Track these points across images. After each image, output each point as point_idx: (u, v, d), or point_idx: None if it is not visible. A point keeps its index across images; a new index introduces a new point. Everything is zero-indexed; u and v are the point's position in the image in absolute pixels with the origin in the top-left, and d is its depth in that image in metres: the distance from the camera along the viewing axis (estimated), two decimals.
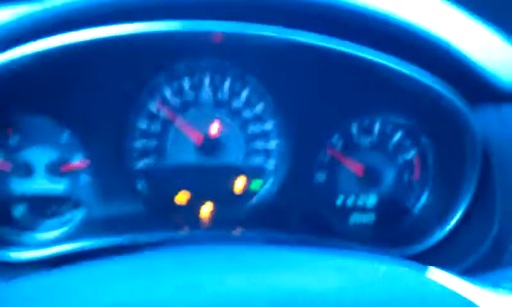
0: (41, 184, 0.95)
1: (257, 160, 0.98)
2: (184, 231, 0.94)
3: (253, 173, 0.98)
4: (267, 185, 0.98)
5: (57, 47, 0.78)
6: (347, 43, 0.82)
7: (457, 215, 0.89)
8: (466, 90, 0.83)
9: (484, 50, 0.84)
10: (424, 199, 0.97)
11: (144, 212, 0.95)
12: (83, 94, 0.89)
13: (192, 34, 0.82)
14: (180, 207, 0.98)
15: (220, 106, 0.95)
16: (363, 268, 0.63)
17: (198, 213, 0.99)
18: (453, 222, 0.89)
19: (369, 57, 0.82)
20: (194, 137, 0.96)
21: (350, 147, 0.97)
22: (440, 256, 0.89)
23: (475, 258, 0.84)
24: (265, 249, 0.68)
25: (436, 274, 0.62)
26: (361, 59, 0.82)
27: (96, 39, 0.79)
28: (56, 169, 0.94)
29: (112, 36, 0.79)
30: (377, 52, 0.82)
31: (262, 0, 0.81)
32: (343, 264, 0.64)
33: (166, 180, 0.97)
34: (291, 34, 0.81)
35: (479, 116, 0.83)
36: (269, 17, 0.81)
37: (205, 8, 0.80)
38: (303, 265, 0.63)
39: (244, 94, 0.95)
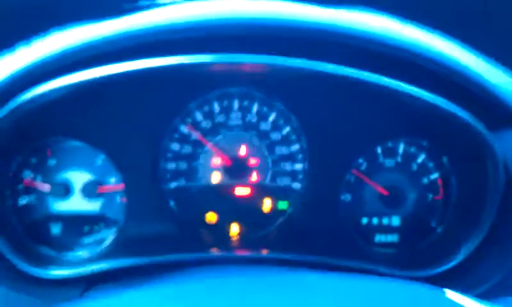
0: (78, 204, 0.99)
1: (284, 181, 1.01)
2: (214, 251, 0.96)
3: (280, 194, 1.01)
4: (294, 206, 1.01)
5: (97, 78, 0.83)
6: (372, 73, 0.85)
7: (479, 237, 0.90)
8: (488, 115, 0.85)
9: (500, 75, 0.86)
10: (446, 220, 0.99)
11: (175, 231, 0.98)
12: (119, 120, 0.93)
13: (223, 65, 0.86)
14: (209, 226, 1.01)
15: (248, 129, 0.99)
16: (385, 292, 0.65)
17: (227, 232, 1.02)
18: (475, 244, 0.90)
19: (392, 85, 0.85)
20: (224, 159, 0.99)
21: (374, 169, 1.00)
22: (461, 278, 0.91)
23: (495, 280, 0.85)
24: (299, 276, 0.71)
25: (455, 298, 0.64)
26: (385, 87, 0.85)
27: (133, 71, 0.83)
28: (91, 190, 0.98)
29: (148, 68, 0.83)
30: (400, 81, 0.85)
31: (288, 33, 0.84)
32: (367, 288, 0.66)
33: (196, 200, 1.01)
34: (316, 65, 0.84)
35: (500, 141, 0.85)
36: (295, 48, 0.84)
37: (235, 41, 0.83)
38: (331, 290, 0.66)
39: (272, 117, 0.99)
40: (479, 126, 0.84)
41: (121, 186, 0.97)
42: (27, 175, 0.97)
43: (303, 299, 0.63)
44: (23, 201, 0.97)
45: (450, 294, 0.65)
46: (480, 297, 0.81)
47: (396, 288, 0.67)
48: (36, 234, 0.98)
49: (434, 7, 0.92)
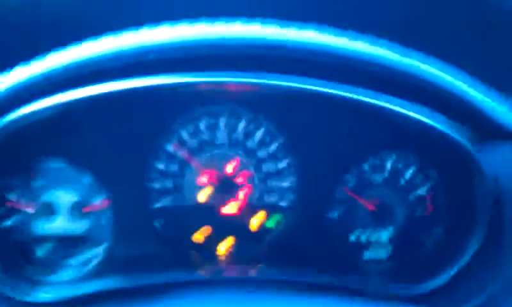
0: (63, 225, 0.98)
1: (271, 199, 1.00)
2: (201, 272, 0.95)
3: (268, 211, 1.01)
4: (282, 224, 1.00)
5: (81, 99, 0.82)
6: (357, 89, 0.84)
7: (470, 251, 0.89)
8: (475, 129, 0.84)
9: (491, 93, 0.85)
10: (436, 235, 0.99)
11: (162, 251, 0.98)
12: (104, 140, 0.93)
13: (209, 85, 0.85)
14: (197, 245, 1.00)
15: (235, 147, 0.98)
16: None
17: (215, 251, 1.01)
18: (466, 258, 0.89)
19: (379, 102, 0.84)
20: (210, 177, 0.98)
21: (362, 185, 0.99)
22: (451, 294, 0.90)
23: (485, 297, 0.85)
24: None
25: None
26: (371, 104, 0.84)
27: (117, 91, 0.82)
28: (77, 210, 0.97)
29: (133, 88, 0.82)
30: (386, 96, 0.84)
31: (274, 52, 0.84)
32: None
33: (183, 220, 1.00)
34: (302, 83, 0.84)
35: (488, 155, 0.84)
36: (280, 66, 0.84)
37: (220, 60, 0.83)
38: None
39: (258, 135, 0.98)
40: (465, 140, 0.84)
41: (106, 203, 0.96)
42: (11, 196, 0.95)
43: None
44: (6, 223, 0.95)
45: None
46: None
47: None
48: (21, 256, 0.96)
49: (419, 25, 0.92)
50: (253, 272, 0.96)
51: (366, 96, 0.84)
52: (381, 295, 0.90)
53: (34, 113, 0.82)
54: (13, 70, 0.83)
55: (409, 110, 0.84)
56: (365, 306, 0.75)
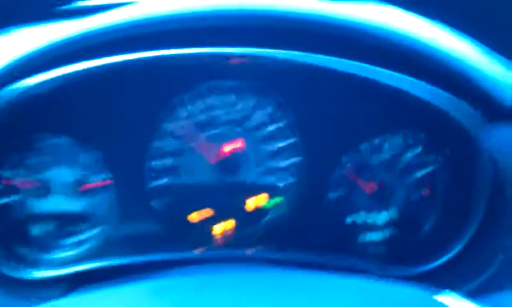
0: (61, 203, 0.97)
1: (271, 179, 1.00)
2: (200, 250, 0.95)
3: (267, 191, 1.00)
4: (281, 203, 1.00)
5: (81, 71, 0.81)
6: (360, 64, 0.84)
7: (468, 234, 0.90)
8: (478, 109, 0.85)
9: (495, 67, 0.86)
10: (434, 217, 0.99)
11: (160, 230, 0.97)
12: (105, 115, 0.91)
13: (212, 58, 0.85)
14: (195, 225, 1.00)
15: (236, 126, 0.98)
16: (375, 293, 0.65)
17: (213, 230, 1.00)
18: (464, 241, 0.90)
19: (382, 79, 0.84)
20: (210, 155, 0.98)
21: (362, 166, 0.99)
22: (448, 276, 0.90)
23: (485, 277, 0.85)
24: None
25: (445, 298, 0.63)
26: (373, 81, 0.85)
27: (118, 63, 0.81)
28: (74, 189, 0.96)
29: (133, 60, 0.82)
30: (387, 71, 0.84)
31: (279, 25, 0.83)
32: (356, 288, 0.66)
33: (182, 199, 0.99)
34: (306, 57, 0.83)
35: (490, 135, 0.85)
36: (286, 40, 0.84)
37: (225, 32, 0.82)
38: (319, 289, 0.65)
39: (259, 114, 0.97)
40: (467, 119, 0.84)
41: (106, 183, 0.95)
42: (7, 174, 0.94)
43: (288, 299, 0.62)
44: (2, 200, 0.94)
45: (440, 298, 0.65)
46: (470, 293, 0.82)
47: (385, 289, 0.66)
48: (17, 234, 0.95)
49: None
50: (249, 252, 0.95)
51: (368, 73, 0.83)
52: (380, 275, 0.91)
53: (31, 87, 0.81)
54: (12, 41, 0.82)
55: (411, 88, 0.84)
56: (363, 283, 0.75)
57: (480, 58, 0.84)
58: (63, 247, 0.97)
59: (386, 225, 1.01)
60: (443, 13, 0.86)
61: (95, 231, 0.97)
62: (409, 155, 0.99)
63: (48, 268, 0.92)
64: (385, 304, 0.63)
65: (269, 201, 1.00)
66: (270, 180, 1.00)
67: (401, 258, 0.97)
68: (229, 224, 1.00)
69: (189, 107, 0.96)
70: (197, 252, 0.95)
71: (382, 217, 1.01)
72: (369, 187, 0.99)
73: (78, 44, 0.80)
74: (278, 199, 1.00)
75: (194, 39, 0.81)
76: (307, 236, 0.97)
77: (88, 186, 0.96)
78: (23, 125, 0.90)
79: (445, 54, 0.82)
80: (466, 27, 0.86)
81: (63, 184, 0.96)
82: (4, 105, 0.80)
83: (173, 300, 0.65)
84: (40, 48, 0.81)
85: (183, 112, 0.96)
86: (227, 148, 0.98)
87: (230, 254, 0.95)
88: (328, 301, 0.63)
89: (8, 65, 0.80)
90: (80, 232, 0.98)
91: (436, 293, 0.68)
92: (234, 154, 0.98)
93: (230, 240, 1.00)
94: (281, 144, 0.98)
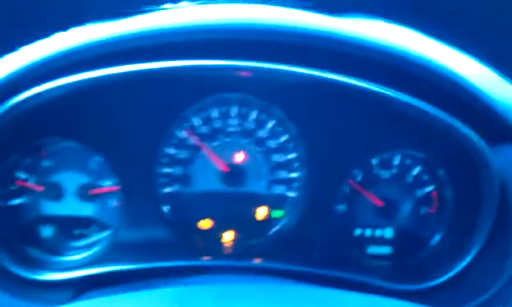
0: (71, 207, 0.98)
1: (280, 190, 1.01)
2: (207, 258, 0.96)
3: (275, 202, 1.01)
4: (288, 215, 1.01)
5: (92, 79, 0.82)
6: (370, 82, 0.85)
7: (473, 251, 0.90)
8: (485, 129, 0.85)
9: (500, 89, 0.86)
10: (440, 233, 0.99)
11: (169, 236, 0.97)
12: (116, 123, 0.92)
13: (222, 71, 0.86)
14: (203, 233, 1.01)
15: (246, 136, 0.99)
16: None
17: (221, 239, 1.01)
18: (469, 257, 0.91)
19: (391, 95, 0.85)
20: (220, 165, 0.99)
21: (370, 180, 1.00)
22: (454, 291, 0.91)
23: (489, 294, 0.85)
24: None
25: None
26: (384, 97, 0.85)
27: (131, 72, 0.82)
28: (85, 193, 0.97)
29: (146, 70, 0.83)
30: (399, 91, 0.85)
31: (287, 39, 0.84)
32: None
33: (191, 206, 1.00)
34: (314, 72, 0.84)
35: (497, 155, 0.85)
36: (294, 55, 0.84)
37: (234, 46, 0.83)
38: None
39: (269, 125, 0.98)
40: (477, 140, 0.84)
41: (115, 188, 0.96)
42: (20, 176, 0.95)
43: None
44: (15, 202, 0.95)
45: None
46: None
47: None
48: (27, 236, 0.96)
49: (436, 14, 0.92)
50: (256, 261, 0.96)
51: (378, 89, 0.84)
52: (384, 290, 0.91)
53: (47, 92, 0.82)
54: (28, 48, 0.83)
55: (422, 107, 0.85)
56: (367, 299, 0.76)
57: (487, 79, 0.84)
58: (72, 250, 0.98)
59: (392, 240, 1.02)
60: (448, 31, 0.87)
61: (103, 235, 0.99)
62: (416, 172, 1.00)
63: (57, 271, 0.93)
64: None
65: (277, 211, 1.01)
66: (277, 190, 1.01)
67: (406, 273, 0.98)
68: (237, 234, 1.01)
69: (198, 117, 0.97)
70: (205, 260, 0.96)
71: (388, 232, 1.02)
72: (377, 201, 1.00)
73: (91, 52, 0.81)
74: (283, 211, 1.01)
75: (205, 52, 0.82)
76: (314, 247, 0.98)
77: (97, 191, 0.97)
78: (36, 129, 0.92)
79: (454, 76, 0.83)
80: (471, 46, 0.87)
81: (74, 187, 0.97)
82: (18, 109, 0.81)
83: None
84: (54, 54, 0.82)
85: (192, 122, 0.97)
86: (236, 158, 0.99)
87: (237, 263, 0.95)
88: None
89: (17, 72, 0.81)
90: (90, 236, 0.99)
91: None
92: (242, 164, 0.99)
93: (238, 250, 1.01)
94: (288, 156, 0.99)
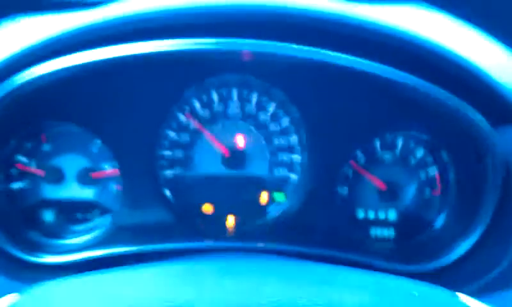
0: (72, 190, 0.98)
1: (281, 173, 1.00)
2: (209, 241, 0.96)
3: (277, 185, 1.01)
4: (290, 197, 1.00)
5: (93, 61, 0.82)
6: (373, 63, 0.84)
7: (477, 233, 0.89)
8: (490, 111, 0.84)
9: (506, 70, 0.85)
10: (444, 215, 0.99)
11: (170, 220, 0.97)
12: (116, 106, 0.92)
13: (223, 52, 0.85)
14: (205, 216, 1.01)
15: (247, 119, 0.98)
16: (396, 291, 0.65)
17: (223, 222, 1.01)
18: (473, 239, 0.90)
19: (394, 77, 0.84)
20: (221, 148, 0.98)
21: (372, 162, 0.99)
22: (458, 273, 0.91)
23: (493, 276, 0.85)
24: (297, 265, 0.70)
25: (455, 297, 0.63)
26: (386, 79, 0.84)
27: (130, 55, 0.82)
28: (86, 177, 0.97)
29: (146, 53, 0.82)
30: (402, 72, 0.84)
31: (290, 20, 0.83)
32: (378, 285, 0.66)
33: (193, 190, 1.00)
34: (317, 53, 0.83)
35: (501, 137, 0.84)
36: (296, 36, 0.83)
37: (235, 27, 0.82)
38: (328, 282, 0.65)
39: (271, 108, 0.97)
40: (481, 121, 0.83)
41: (116, 172, 0.96)
42: (21, 160, 0.95)
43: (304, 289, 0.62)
44: (16, 185, 0.95)
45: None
46: (478, 291, 0.82)
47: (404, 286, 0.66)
48: (29, 220, 0.96)
49: None
50: (259, 243, 0.96)
51: (381, 70, 0.83)
52: (388, 271, 0.91)
53: (46, 75, 0.81)
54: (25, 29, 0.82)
55: (425, 88, 0.84)
56: (371, 278, 0.75)
57: (493, 60, 0.83)
58: (73, 234, 0.98)
59: (395, 222, 1.01)
60: (464, 9, 0.85)
61: (104, 219, 0.98)
62: (419, 154, 0.99)
63: (58, 254, 0.93)
64: (393, 301, 0.63)
65: (279, 194, 1.01)
66: (279, 173, 1.00)
67: (410, 255, 0.97)
68: (238, 217, 1.01)
69: (199, 99, 0.96)
70: (206, 242, 0.96)
71: (391, 214, 1.01)
72: (380, 183, 0.99)
73: (91, 34, 0.80)
74: (285, 193, 1.01)
75: (205, 32, 0.81)
76: (316, 230, 0.97)
77: (99, 174, 0.97)
78: (36, 112, 0.91)
79: (458, 58, 0.82)
80: (483, 22, 0.85)
81: (75, 171, 0.97)
82: (17, 91, 0.81)
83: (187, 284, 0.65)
84: (54, 35, 0.81)
85: (192, 105, 0.96)
86: (238, 142, 0.99)
87: (240, 245, 0.95)
88: (337, 294, 0.63)
89: (16, 54, 0.80)
90: (91, 219, 0.99)
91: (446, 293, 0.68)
92: (243, 148, 0.99)
93: (240, 233, 1.00)
94: (290, 139, 0.98)
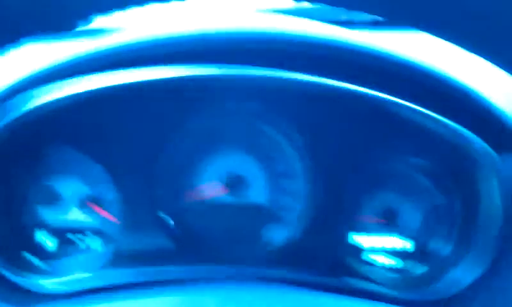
0: (71, 216, 0.98)
1: (283, 201, 0.99)
2: (210, 268, 0.94)
3: (278, 213, 0.99)
4: (291, 226, 0.99)
5: (95, 90, 0.82)
6: (373, 90, 0.83)
7: (484, 265, 0.87)
8: (493, 138, 0.83)
9: (507, 96, 0.84)
10: (447, 246, 0.97)
11: (170, 246, 0.96)
12: (117, 132, 0.92)
13: (222, 79, 0.85)
14: (205, 243, 0.99)
15: (247, 146, 0.98)
16: None
17: (223, 249, 0.99)
18: (479, 271, 0.87)
19: (396, 104, 0.83)
20: (222, 175, 0.98)
21: (374, 190, 0.98)
22: (466, 303, 0.88)
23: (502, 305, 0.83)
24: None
25: None
26: (388, 106, 0.84)
27: (130, 83, 0.82)
28: (86, 202, 0.97)
29: (146, 80, 0.82)
30: (404, 100, 0.83)
31: (292, 47, 0.83)
32: None
33: (193, 217, 0.99)
34: (319, 81, 0.83)
35: (505, 165, 0.83)
36: (297, 63, 0.83)
37: (236, 54, 0.82)
38: None
39: (271, 134, 0.97)
40: (483, 148, 0.82)
41: (116, 198, 0.96)
42: (21, 183, 0.95)
43: None
44: (12, 208, 0.95)
45: None
46: None
47: None
48: (26, 243, 0.96)
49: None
50: (260, 271, 0.94)
51: (380, 98, 0.83)
52: (392, 299, 0.89)
53: (48, 102, 0.81)
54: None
55: (428, 117, 0.83)
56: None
57: (494, 87, 0.83)
58: (74, 261, 0.97)
59: (397, 251, 1.00)
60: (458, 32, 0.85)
61: (105, 245, 0.98)
62: (424, 181, 0.98)
63: (55, 282, 0.92)
64: None
65: (280, 222, 1.00)
66: (282, 201, 0.99)
67: (416, 284, 0.95)
68: (239, 244, 1.00)
69: (201, 127, 0.96)
70: (207, 269, 0.94)
71: (393, 243, 0.99)
72: (382, 212, 0.98)
73: (92, 61, 0.81)
74: (287, 221, 0.99)
75: (204, 61, 0.81)
76: (319, 258, 0.96)
77: (96, 208, 0.97)
78: (36, 138, 0.92)
79: (459, 85, 0.82)
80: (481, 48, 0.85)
81: (74, 197, 0.97)
82: (17, 116, 0.81)
83: None
84: (52, 65, 0.82)
85: (195, 132, 0.96)
86: (238, 169, 0.98)
87: (239, 272, 0.94)
88: None
89: (21, 80, 0.81)
90: (89, 245, 0.98)
91: None
92: (244, 175, 0.99)
93: (242, 258, 0.98)
94: (292, 167, 0.98)
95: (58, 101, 0.81)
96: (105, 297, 0.88)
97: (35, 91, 0.81)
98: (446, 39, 0.85)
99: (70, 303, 0.88)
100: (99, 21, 0.70)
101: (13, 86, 0.80)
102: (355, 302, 0.72)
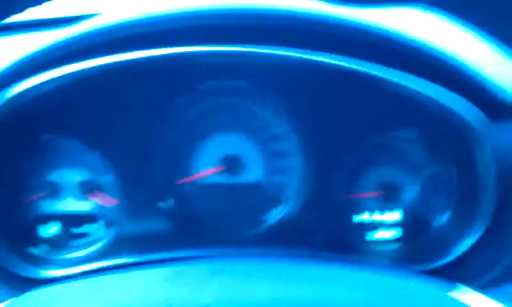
0: (71, 204, 0.98)
1: (278, 179, 1.00)
2: (208, 248, 0.95)
3: (274, 192, 1.00)
4: (288, 204, 0.99)
5: (86, 70, 0.82)
6: (364, 62, 0.84)
7: (480, 230, 0.88)
8: (485, 107, 0.83)
9: (500, 66, 0.85)
10: (444, 214, 0.97)
11: (170, 229, 0.97)
12: (109, 116, 0.92)
13: (213, 56, 0.85)
14: (203, 223, 1.00)
15: (241, 126, 0.98)
16: (388, 284, 0.64)
17: (222, 229, 1.00)
18: (476, 236, 0.88)
19: (386, 76, 0.84)
20: (217, 156, 0.99)
21: (368, 164, 0.98)
22: (460, 271, 0.90)
23: (498, 270, 0.85)
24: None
25: (459, 292, 0.62)
26: (378, 78, 0.84)
27: (123, 62, 0.82)
28: (85, 189, 0.97)
29: (137, 59, 0.83)
30: (394, 71, 0.84)
31: (280, 22, 0.83)
32: (369, 280, 0.65)
33: (191, 198, 1.00)
34: (309, 54, 0.83)
35: (497, 133, 0.84)
36: (287, 39, 0.84)
37: (225, 32, 0.82)
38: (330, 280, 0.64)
39: (264, 113, 0.97)
40: (474, 117, 0.83)
41: (114, 183, 0.96)
42: (20, 174, 0.95)
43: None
44: (15, 199, 0.95)
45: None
46: (484, 286, 0.81)
47: (397, 283, 0.65)
48: (27, 235, 0.97)
49: None
50: (258, 250, 0.96)
51: (371, 70, 0.83)
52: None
53: (39, 86, 0.82)
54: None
55: (414, 87, 0.83)
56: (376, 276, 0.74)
57: (486, 56, 0.83)
58: (72, 247, 0.98)
59: (395, 224, 1.00)
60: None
61: (105, 231, 0.99)
62: (417, 152, 0.98)
63: (58, 268, 0.93)
64: (398, 297, 0.62)
65: (276, 200, 1.00)
66: (277, 179, 1.00)
67: (412, 255, 0.96)
68: (236, 223, 1.00)
69: (193, 107, 0.97)
70: (206, 249, 0.95)
71: (392, 216, 1.00)
72: (378, 186, 0.99)
73: (81, 43, 0.81)
74: (283, 199, 1.00)
75: (194, 38, 0.82)
76: (315, 235, 0.96)
77: (94, 193, 0.98)
78: (31, 126, 0.92)
79: (450, 54, 0.82)
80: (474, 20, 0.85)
81: (73, 184, 0.98)
82: (12, 104, 0.81)
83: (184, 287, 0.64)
84: (44, 47, 0.82)
85: (187, 113, 0.97)
86: (233, 149, 0.99)
87: (239, 252, 0.95)
88: (341, 292, 0.62)
89: (10, 67, 0.81)
90: (91, 232, 0.99)
91: (449, 288, 0.67)
92: (239, 155, 0.99)
93: (241, 239, 1.00)
94: (285, 145, 0.98)
95: (46, 84, 0.81)
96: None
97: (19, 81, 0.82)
98: (442, 13, 0.85)
99: (69, 286, 0.90)
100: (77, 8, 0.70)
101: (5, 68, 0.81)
102: (357, 271, 0.72)
